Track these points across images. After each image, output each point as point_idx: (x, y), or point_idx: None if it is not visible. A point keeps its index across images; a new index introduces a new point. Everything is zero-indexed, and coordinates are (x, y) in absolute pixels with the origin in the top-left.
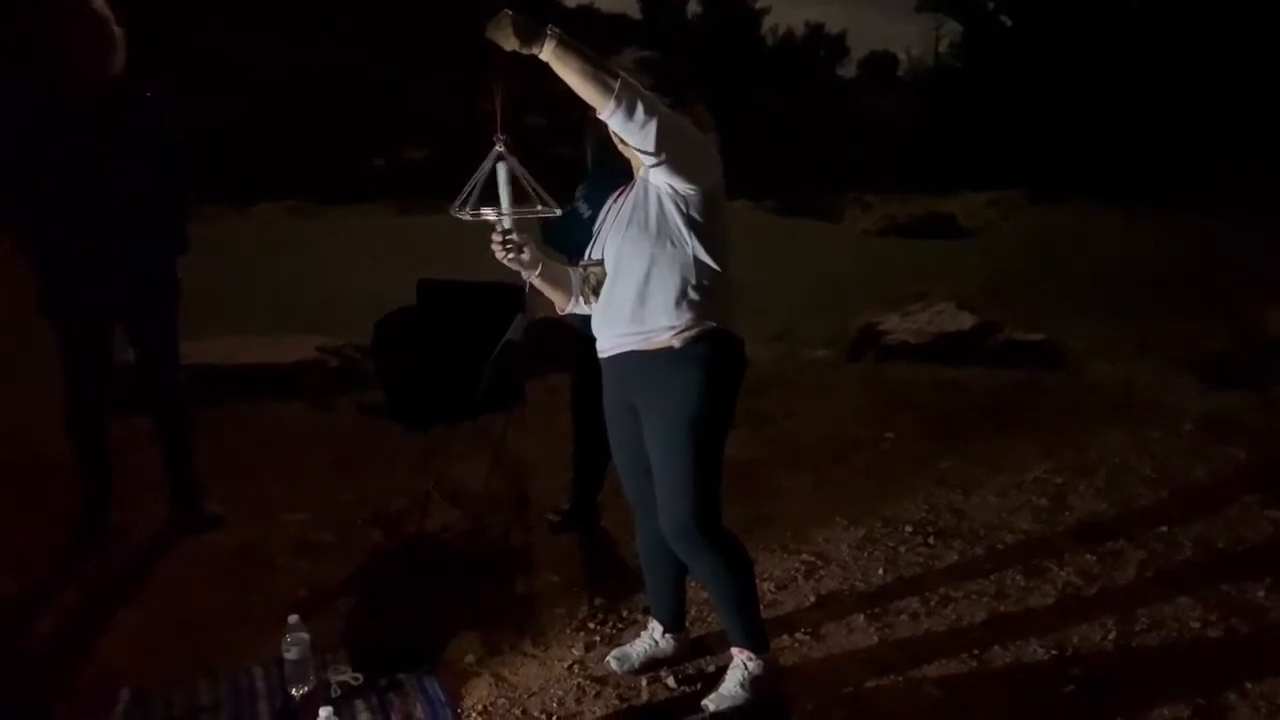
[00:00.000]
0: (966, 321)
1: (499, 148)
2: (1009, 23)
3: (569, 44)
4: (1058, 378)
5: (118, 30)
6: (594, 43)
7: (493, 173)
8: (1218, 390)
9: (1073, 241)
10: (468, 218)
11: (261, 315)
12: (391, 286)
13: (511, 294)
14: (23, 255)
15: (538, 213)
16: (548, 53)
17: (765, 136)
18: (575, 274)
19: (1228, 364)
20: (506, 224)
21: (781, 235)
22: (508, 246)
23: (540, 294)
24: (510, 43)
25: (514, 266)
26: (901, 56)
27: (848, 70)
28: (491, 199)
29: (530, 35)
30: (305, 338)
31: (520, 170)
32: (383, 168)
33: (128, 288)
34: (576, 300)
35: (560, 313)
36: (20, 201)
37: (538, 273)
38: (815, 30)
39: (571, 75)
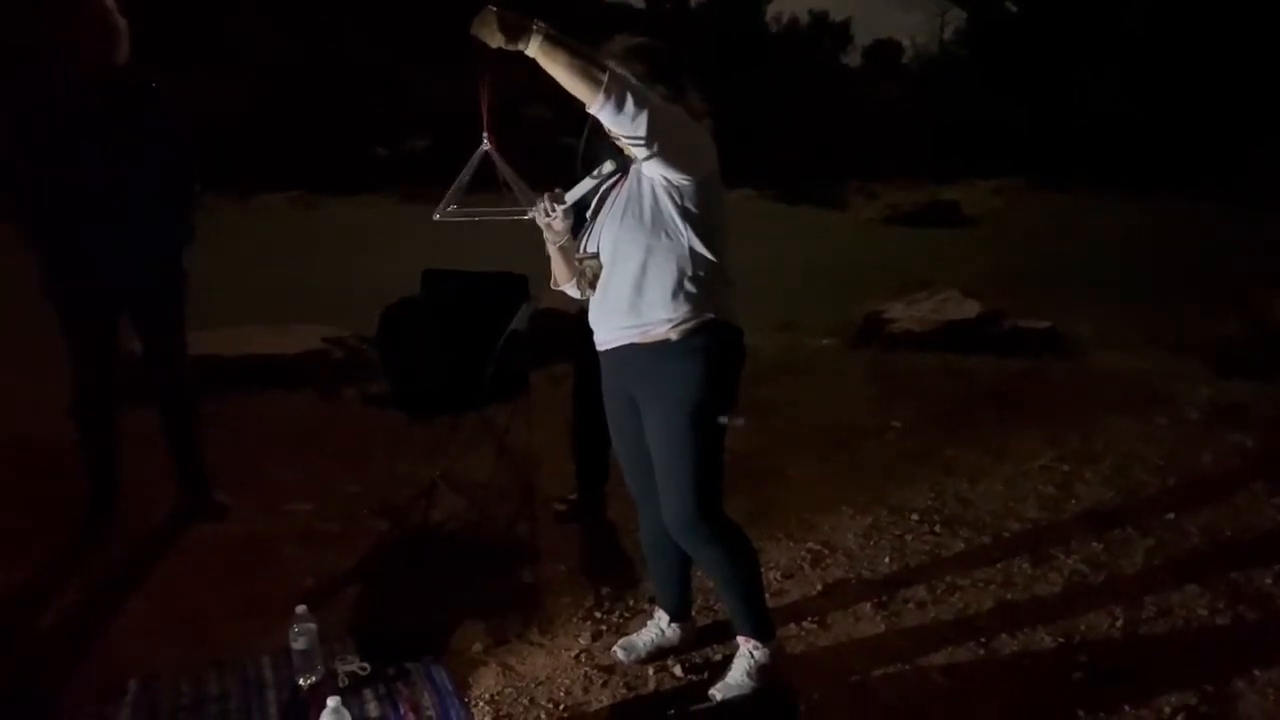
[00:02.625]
0: (972, 309)
1: (485, 146)
2: (1014, 9)
3: (556, 38)
4: (1064, 366)
5: (121, 21)
6: (595, 31)
7: (479, 169)
8: (1225, 378)
9: (1078, 229)
10: (453, 218)
11: (266, 306)
12: (395, 277)
13: (516, 284)
14: (29, 245)
15: (522, 212)
16: (534, 48)
17: (769, 125)
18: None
19: (1235, 352)
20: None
21: (785, 223)
22: (549, 214)
23: (563, 267)
24: (496, 39)
25: (545, 232)
26: (906, 44)
27: (852, 59)
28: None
29: (516, 31)
30: (310, 328)
31: (506, 168)
32: (385, 158)
33: (133, 278)
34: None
35: (554, 286)
36: (26, 192)
37: (561, 244)
38: (819, 18)
39: (559, 70)
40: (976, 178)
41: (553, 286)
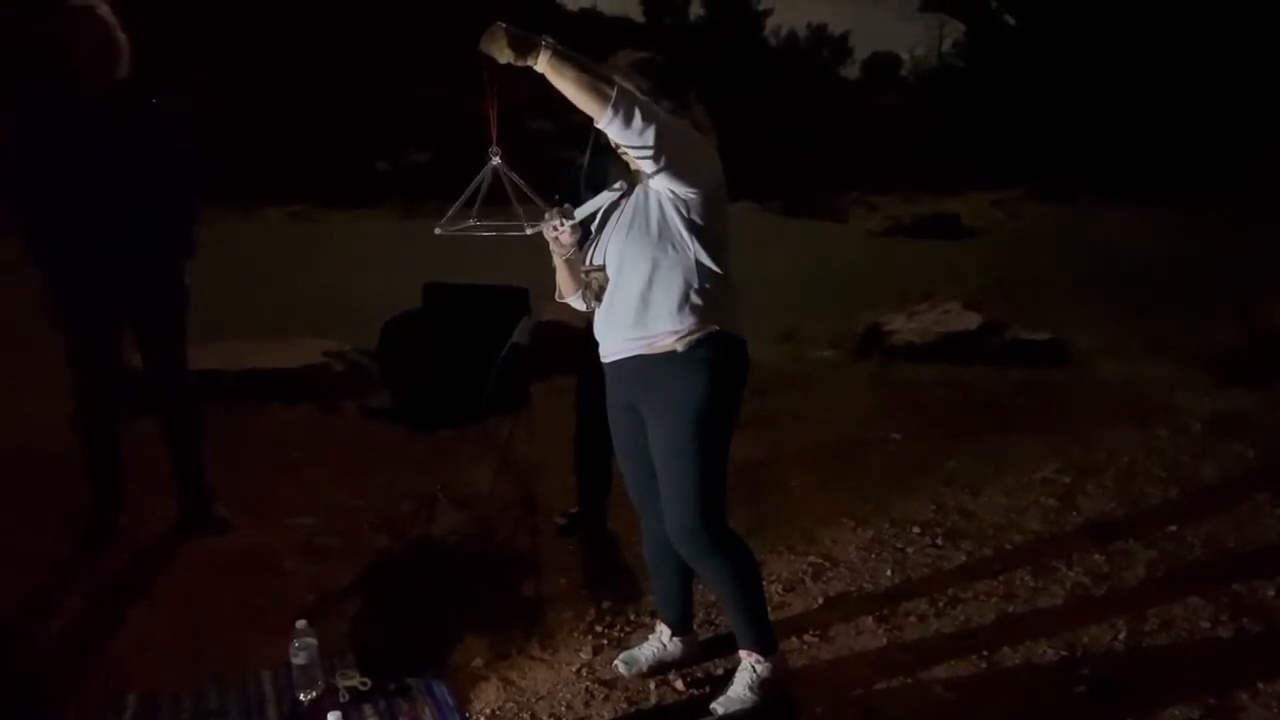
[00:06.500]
0: (972, 321)
1: (495, 160)
2: (1012, 21)
3: (563, 54)
4: (1065, 377)
5: (122, 37)
6: (596, 46)
7: (489, 183)
8: (1227, 388)
9: (1079, 240)
10: (452, 231)
11: (267, 319)
12: (396, 289)
13: (517, 297)
14: (31, 259)
15: (524, 228)
16: (542, 64)
17: (770, 137)
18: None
19: (1237, 361)
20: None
21: (787, 235)
22: (557, 229)
23: (567, 278)
24: (504, 55)
25: (553, 245)
26: (904, 57)
27: (851, 71)
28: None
29: (524, 47)
30: (311, 342)
31: (517, 180)
32: (386, 171)
33: (135, 292)
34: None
35: (560, 299)
36: (28, 206)
37: (568, 256)
38: (818, 31)
39: (567, 85)
40: (976, 189)
41: (558, 299)
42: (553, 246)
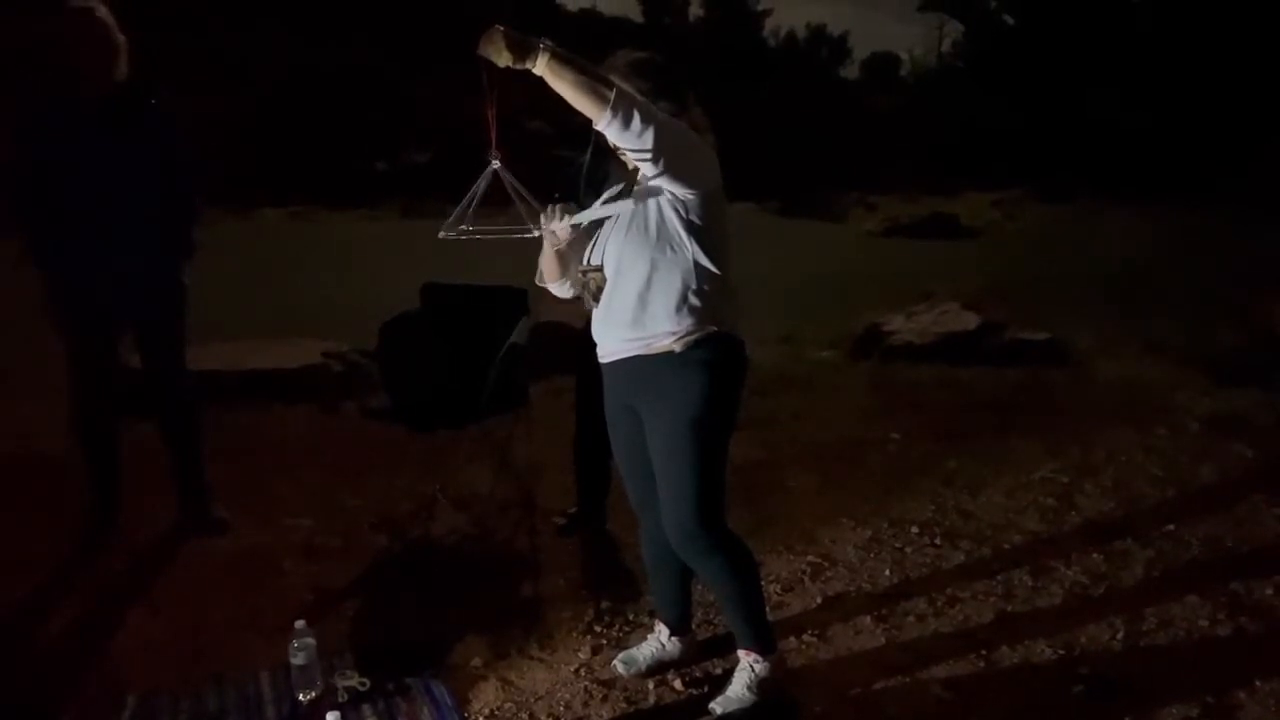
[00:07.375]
0: (971, 321)
1: (495, 164)
2: (1011, 21)
3: (562, 57)
4: (1064, 377)
5: (121, 37)
6: (595, 46)
7: (489, 187)
8: (1225, 388)
9: (1078, 240)
10: (456, 235)
11: (266, 320)
12: (395, 290)
13: (516, 297)
14: (30, 260)
15: (528, 230)
16: (541, 67)
17: (769, 138)
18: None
19: (1235, 362)
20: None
21: (786, 236)
22: (554, 225)
23: (558, 274)
24: (503, 58)
25: (548, 238)
26: (904, 57)
27: (850, 71)
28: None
29: (523, 50)
30: (310, 342)
31: (516, 185)
32: (386, 171)
33: (134, 292)
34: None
35: (539, 282)
36: (29, 206)
37: (560, 247)
38: (817, 32)
39: (566, 88)
40: (976, 190)
41: (539, 282)
42: (547, 239)
